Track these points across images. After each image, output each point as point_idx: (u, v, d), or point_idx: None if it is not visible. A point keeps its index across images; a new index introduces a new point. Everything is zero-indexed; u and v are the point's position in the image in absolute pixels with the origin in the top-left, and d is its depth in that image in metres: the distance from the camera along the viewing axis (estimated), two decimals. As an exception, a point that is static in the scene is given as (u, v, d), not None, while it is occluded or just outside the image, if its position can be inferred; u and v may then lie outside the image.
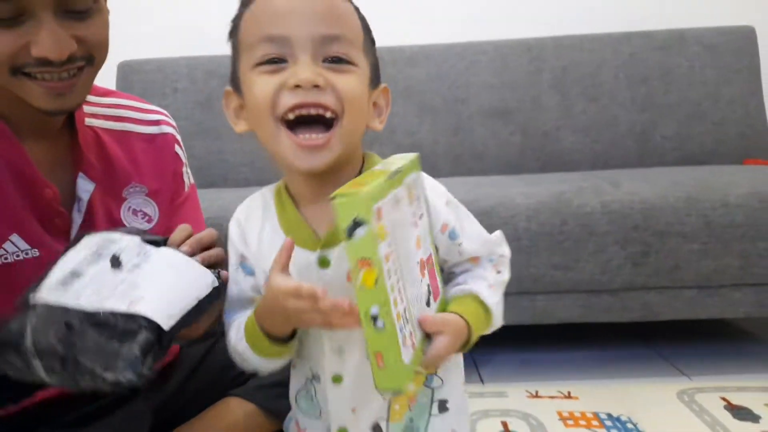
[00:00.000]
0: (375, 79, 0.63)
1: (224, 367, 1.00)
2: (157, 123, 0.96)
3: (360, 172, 0.63)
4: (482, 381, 1.38)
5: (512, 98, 1.93)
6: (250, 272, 0.66)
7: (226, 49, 2.09)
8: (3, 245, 0.77)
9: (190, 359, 1.01)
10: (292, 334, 0.62)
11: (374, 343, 0.49)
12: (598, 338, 1.59)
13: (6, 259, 0.78)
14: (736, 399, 1.21)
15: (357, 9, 0.62)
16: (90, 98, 0.88)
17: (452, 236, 0.64)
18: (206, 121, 1.91)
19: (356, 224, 0.46)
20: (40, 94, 0.72)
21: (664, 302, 1.36)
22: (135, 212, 0.91)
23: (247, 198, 0.71)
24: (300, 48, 0.55)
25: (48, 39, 0.68)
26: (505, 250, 0.68)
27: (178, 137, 1.00)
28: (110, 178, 0.88)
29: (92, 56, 0.75)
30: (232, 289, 0.68)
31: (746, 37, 1.95)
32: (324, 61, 0.56)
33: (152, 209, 0.93)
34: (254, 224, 0.66)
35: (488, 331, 0.64)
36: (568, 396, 1.26)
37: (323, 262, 0.60)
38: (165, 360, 0.98)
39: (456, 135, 1.92)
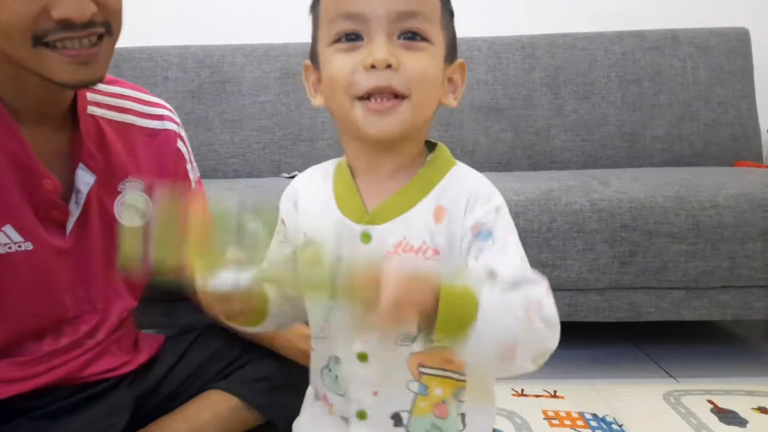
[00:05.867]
0: (451, 55, 0.62)
1: (208, 360, 0.99)
2: (160, 118, 0.95)
3: (420, 161, 0.65)
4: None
5: (504, 95, 1.92)
6: (280, 239, 0.68)
7: (217, 39, 2.06)
8: None
9: (173, 351, 1.00)
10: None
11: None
12: (585, 337, 1.59)
13: None
14: (723, 402, 1.21)
15: None
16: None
17: (482, 237, 0.59)
18: (196, 110, 1.88)
19: None
20: (63, 65, 0.70)
21: (651, 303, 1.36)
22: (129, 207, 0.90)
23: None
24: (376, 25, 0.56)
25: None
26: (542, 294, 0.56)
27: (182, 132, 0.98)
28: (108, 170, 0.86)
29: (110, 24, 0.73)
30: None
31: (740, 38, 1.95)
32: (399, 37, 0.56)
33: (146, 205, 0.91)
34: (312, 188, 0.67)
35: (471, 322, 0.51)
36: (554, 395, 1.26)
37: (365, 237, 0.60)
38: (150, 352, 0.98)
39: (446, 131, 1.91)
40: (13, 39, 0.68)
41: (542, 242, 1.32)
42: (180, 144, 0.97)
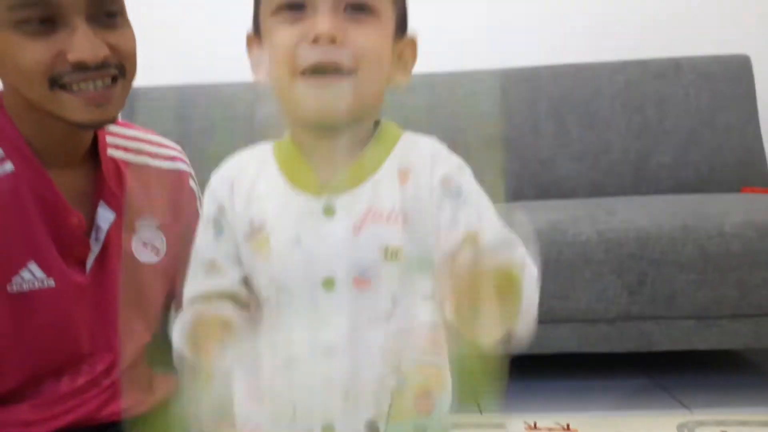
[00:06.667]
0: (401, 29, 0.60)
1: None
2: (172, 159, 0.98)
3: (368, 139, 0.60)
4: (480, 411, 1.37)
5: (509, 126, 1.95)
6: (220, 231, 0.61)
7: (228, 77, 2.11)
8: (20, 272, 0.78)
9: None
10: None
11: None
12: (597, 368, 1.59)
13: (22, 287, 0.78)
14: (737, 432, 1.20)
15: None
16: (112, 129, 0.90)
17: (453, 193, 0.56)
18: (209, 148, 1.92)
19: None
20: (79, 106, 0.74)
21: (662, 332, 1.36)
22: (145, 245, 0.92)
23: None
24: None
25: (83, 42, 0.72)
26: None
27: (192, 171, 1.02)
28: (127, 209, 0.89)
29: (123, 66, 0.77)
30: (198, 250, 0.62)
31: (741, 65, 1.97)
32: (346, 8, 0.54)
33: (161, 242, 0.94)
34: (247, 174, 0.62)
35: (524, 290, 0.46)
36: (567, 428, 1.25)
37: (328, 211, 0.57)
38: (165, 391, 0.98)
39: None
40: (32, 82, 0.73)
41: (550, 273, 1.32)
42: (191, 182, 1.01)
